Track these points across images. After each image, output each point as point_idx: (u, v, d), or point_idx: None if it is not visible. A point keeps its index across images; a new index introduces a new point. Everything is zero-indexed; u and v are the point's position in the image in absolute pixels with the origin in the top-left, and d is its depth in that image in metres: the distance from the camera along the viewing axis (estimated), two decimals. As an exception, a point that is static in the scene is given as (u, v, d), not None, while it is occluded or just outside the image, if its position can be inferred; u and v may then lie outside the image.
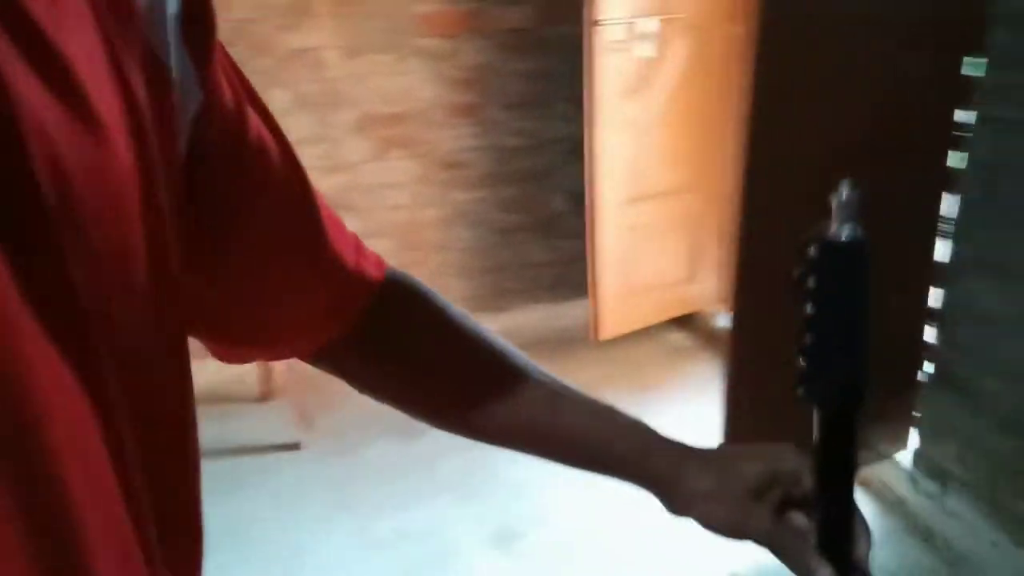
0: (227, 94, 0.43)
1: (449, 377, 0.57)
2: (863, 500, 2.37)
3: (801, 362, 0.47)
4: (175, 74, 0.37)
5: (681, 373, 3.11)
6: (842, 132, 1.91)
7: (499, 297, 3.49)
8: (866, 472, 2.36)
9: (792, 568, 0.51)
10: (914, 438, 2.31)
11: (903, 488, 2.29)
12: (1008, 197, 1.87)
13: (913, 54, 1.93)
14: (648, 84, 3.10)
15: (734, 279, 2.12)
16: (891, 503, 2.29)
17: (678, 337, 3.45)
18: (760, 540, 0.52)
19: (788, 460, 0.53)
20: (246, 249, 0.47)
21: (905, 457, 2.33)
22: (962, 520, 2.11)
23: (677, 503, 0.55)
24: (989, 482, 2.02)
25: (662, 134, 3.20)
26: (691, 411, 2.66)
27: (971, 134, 1.98)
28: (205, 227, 0.43)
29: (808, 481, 0.52)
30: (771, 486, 0.53)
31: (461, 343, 0.57)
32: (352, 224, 0.55)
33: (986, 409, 2.00)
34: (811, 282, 0.45)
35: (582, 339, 3.28)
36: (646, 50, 3.04)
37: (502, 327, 3.42)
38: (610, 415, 0.57)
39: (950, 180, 2.06)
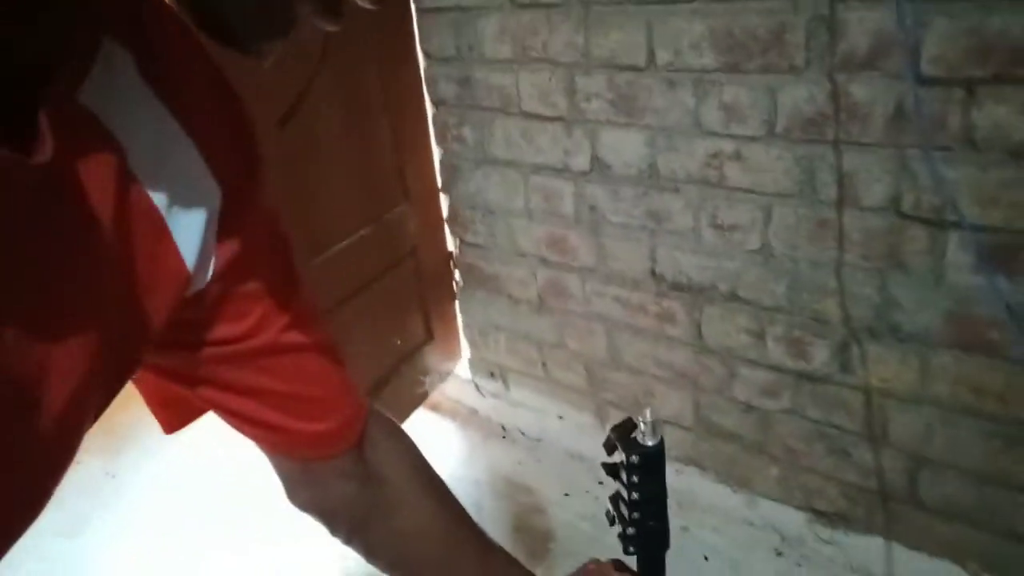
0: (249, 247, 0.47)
1: (416, 518, 0.64)
2: (438, 425, 2.35)
3: (629, 529, 0.71)
4: (192, 267, 0.42)
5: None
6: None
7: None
8: (433, 397, 2.30)
9: None
10: (465, 347, 2.31)
11: (470, 398, 2.29)
12: (474, 85, 1.85)
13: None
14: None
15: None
16: (464, 416, 2.28)
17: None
18: None
19: None
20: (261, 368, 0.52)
21: (463, 367, 2.33)
22: (528, 407, 2.18)
23: None
24: (539, 363, 2.10)
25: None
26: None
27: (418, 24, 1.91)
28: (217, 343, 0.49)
29: None
30: None
31: (431, 487, 0.66)
32: None
33: (520, 297, 2.04)
34: (635, 478, 0.69)
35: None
36: None
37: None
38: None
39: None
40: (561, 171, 1.78)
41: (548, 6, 1.65)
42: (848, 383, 1.53)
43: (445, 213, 2.12)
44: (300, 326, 0.53)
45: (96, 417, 0.41)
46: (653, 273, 1.72)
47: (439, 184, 2.08)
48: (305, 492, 0.62)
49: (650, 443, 0.68)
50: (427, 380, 2.22)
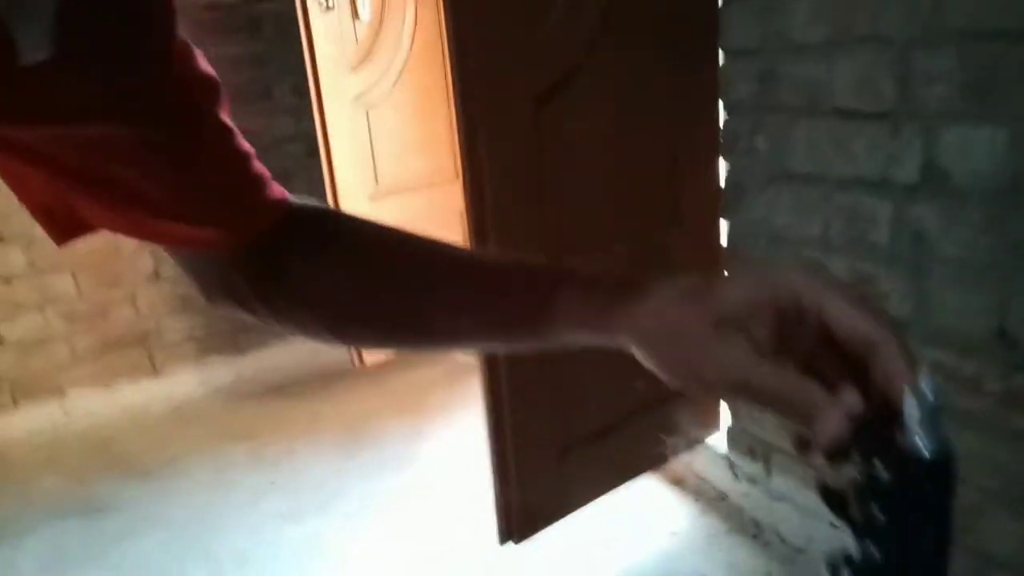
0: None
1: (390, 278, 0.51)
2: (675, 502, 1.93)
3: None
4: None
5: (462, 391, 2.57)
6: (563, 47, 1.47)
7: (237, 335, 2.82)
8: (676, 468, 1.90)
9: (793, 419, 0.36)
10: (726, 414, 1.89)
11: (721, 478, 1.85)
12: (777, 80, 1.50)
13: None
14: (376, 56, 2.62)
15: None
16: (710, 499, 1.84)
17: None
18: (731, 388, 0.37)
19: (784, 284, 0.37)
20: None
21: (719, 439, 1.90)
22: (793, 504, 1.67)
23: (637, 343, 0.42)
24: (816, 448, 1.61)
25: (405, 116, 2.72)
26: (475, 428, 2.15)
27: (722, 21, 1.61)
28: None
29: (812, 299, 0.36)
30: (755, 318, 0.37)
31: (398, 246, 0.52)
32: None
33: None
34: (879, 514, 0.34)
35: (348, 371, 2.76)
36: (365, 14, 2.56)
37: (246, 371, 2.76)
38: (534, 267, 0.49)
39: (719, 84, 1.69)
40: (878, 186, 1.34)
41: (887, -27, 1.27)
42: None
43: (725, 243, 1.76)
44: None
45: None
46: (1003, 334, 1.20)
47: (721, 209, 1.74)
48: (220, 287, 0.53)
49: (930, 448, 0.33)
50: (669, 442, 1.83)
